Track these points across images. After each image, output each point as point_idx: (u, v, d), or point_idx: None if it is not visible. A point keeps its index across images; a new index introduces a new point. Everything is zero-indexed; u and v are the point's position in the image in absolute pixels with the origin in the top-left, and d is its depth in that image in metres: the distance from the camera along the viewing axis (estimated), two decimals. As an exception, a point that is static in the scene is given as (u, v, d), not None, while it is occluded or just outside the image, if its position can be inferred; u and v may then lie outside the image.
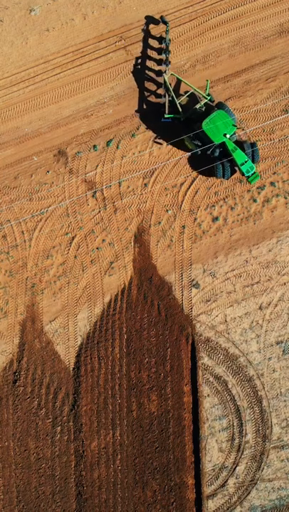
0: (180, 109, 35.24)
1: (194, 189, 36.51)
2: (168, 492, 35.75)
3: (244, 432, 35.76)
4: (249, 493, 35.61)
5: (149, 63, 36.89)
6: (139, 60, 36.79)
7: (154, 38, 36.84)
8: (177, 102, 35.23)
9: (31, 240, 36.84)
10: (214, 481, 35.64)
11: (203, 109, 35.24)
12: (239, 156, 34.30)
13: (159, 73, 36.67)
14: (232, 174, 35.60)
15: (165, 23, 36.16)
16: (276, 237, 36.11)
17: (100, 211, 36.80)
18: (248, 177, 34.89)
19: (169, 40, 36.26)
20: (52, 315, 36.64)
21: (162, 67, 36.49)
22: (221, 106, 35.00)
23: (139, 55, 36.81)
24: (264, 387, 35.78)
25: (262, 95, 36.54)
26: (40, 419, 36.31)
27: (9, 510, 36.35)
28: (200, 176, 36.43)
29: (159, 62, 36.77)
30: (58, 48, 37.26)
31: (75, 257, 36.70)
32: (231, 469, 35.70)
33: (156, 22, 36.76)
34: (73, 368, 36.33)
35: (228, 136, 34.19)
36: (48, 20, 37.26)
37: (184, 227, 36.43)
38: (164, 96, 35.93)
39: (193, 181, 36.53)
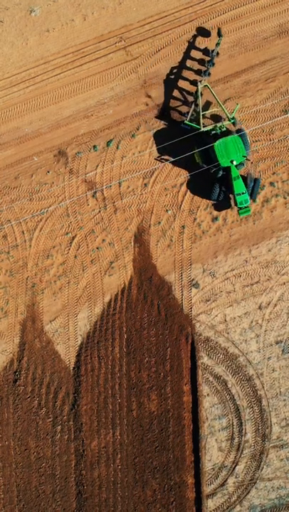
0: (201, 121, 35.09)
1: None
2: (168, 491, 35.84)
3: (244, 431, 35.85)
4: (249, 492, 35.71)
5: (186, 72, 36.75)
6: (176, 68, 36.68)
7: (196, 47, 36.69)
8: (201, 114, 35.10)
9: (32, 239, 36.94)
10: (214, 480, 35.73)
11: (224, 129, 35.01)
12: (239, 185, 34.16)
13: (193, 82, 36.42)
14: (225, 199, 35.52)
15: (220, 36, 35.90)
16: (275, 237, 36.22)
17: (100, 211, 36.90)
18: (240, 208, 34.76)
19: (217, 53, 36.10)
20: (52, 314, 36.75)
21: (199, 77, 36.24)
22: (240, 132, 34.82)
23: (179, 61, 36.71)
24: (263, 387, 35.89)
25: (261, 96, 36.64)
26: (41, 419, 36.40)
27: (10, 509, 36.45)
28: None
29: (197, 71, 36.61)
30: (58, 48, 37.35)
31: (75, 256, 36.81)
32: (231, 468, 35.80)
33: (203, 33, 36.58)
34: (73, 368, 36.43)
35: (234, 163, 33.98)
36: (48, 21, 37.36)
37: (183, 227, 36.54)
38: (192, 104, 35.82)
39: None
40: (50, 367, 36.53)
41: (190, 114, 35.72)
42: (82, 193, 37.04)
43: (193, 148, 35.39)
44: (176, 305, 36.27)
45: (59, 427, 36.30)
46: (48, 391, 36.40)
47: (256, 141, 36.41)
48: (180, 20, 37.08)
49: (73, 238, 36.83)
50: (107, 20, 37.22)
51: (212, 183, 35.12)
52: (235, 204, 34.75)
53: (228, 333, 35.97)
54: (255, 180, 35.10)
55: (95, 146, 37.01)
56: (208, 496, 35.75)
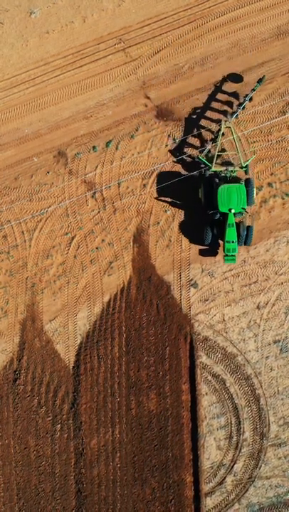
0: (214, 160, 34.91)
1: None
2: (167, 489, 35.98)
3: (242, 430, 36.01)
4: (247, 490, 35.86)
5: (209, 113, 36.76)
6: (200, 108, 36.73)
7: (224, 91, 36.74)
8: (216, 153, 34.99)
9: (31, 239, 37.08)
10: (212, 478, 35.88)
11: (234, 174, 34.84)
12: (231, 233, 34.06)
13: (216, 121, 36.47)
14: (214, 244, 35.53)
15: (260, 82, 35.93)
16: (273, 237, 36.37)
17: (99, 211, 37.06)
18: (226, 255, 34.69)
19: (251, 98, 36.04)
20: (52, 314, 36.90)
21: (224, 118, 36.18)
22: (247, 183, 34.68)
23: (204, 101, 36.75)
24: (262, 386, 36.04)
25: (259, 97, 36.79)
26: (40, 418, 36.54)
27: (9, 507, 36.57)
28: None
29: (220, 111, 36.65)
30: (58, 50, 37.49)
31: (75, 256, 36.96)
32: (229, 467, 35.94)
33: (234, 78, 36.66)
34: (73, 367, 36.57)
35: (232, 211, 33.93)
36: (48, 22, 37.51)
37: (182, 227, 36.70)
38: (211, 140, 35.95)
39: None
40: (50, 366, 36.67)
41: (206, 150, 35.75)
42: (81, 194, 37.18)
43: (199, 183, 35.40)
44: (175, 305, 36.43)
45: (59, 426, 36.44)
46: (48, 390, 36.54)
47: (254, 141, 36.60)
48: (179, 22, 37.24)
49: (73, 238, 36.98)
50: (107, 22, 37.37)
51: (204, 227, 34.97)
52: (223, 249, 34.68)
53: (226, 333, 36.13)
54: (248, 228, 34.91)
55: (94, 147, 37.17)
56: (206, 494, 35.90)
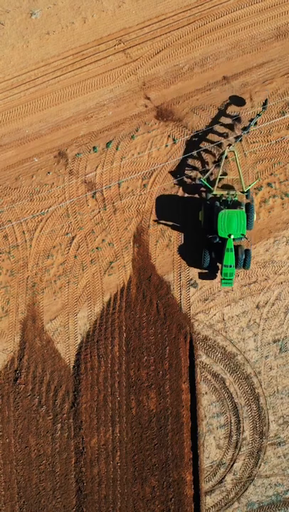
0: (216, 184, 34.99)
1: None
2: (166, 488, 36.09)
3: (241, 429, 36.12)
4: (246, 489, 35.98)
5: (214, 136, 36.74)
6: (203, 130, 36.72)
7: (229, 115, 36.73)
8: (219, 177, 35.03)
9: (32, 239, 37.20)
10: (212, 477, 36.00)
11: (235, 198, 34.80)
12: (229, 258, 33.99)
13: (219, 144, 36.50)
14: (212, 268, 35.56)
15: (264, 107, 35.99)
16: (273, 237, 36.50)
17: (99, 211, 37.19)
18: (223, 279, 34.65)
19: (256, 123, 36.09)
20: (52, 314, 37.02)
21: (229, 141, 36.23)
22: (248, 207, 34.68)
23: (208, 123, 36.74)
24: (261, 385, 36.15)
25: (259, 98, 36.94)
26: (41, 417, 36.65)
27: (10, 506, 36.68)
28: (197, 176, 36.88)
29: (224, 134, 36.65)
30: (59, 50, 37.62)
31: (75, 256, 37.09)
32: (229, 466, 36.06)
33: (237, 102, 36.71)
34: (73, 366, 36.69)
35: (232, 237, 33.89)
36: (48, 23, 37.64)
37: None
38: (213, 164, 36.07)
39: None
40: (51, 365, 36.80)
41: (209, 172, 35.81)
42: (82, 194, 37.31)
43: (200, 205, 35.47)
44: (174, 304, 36.55)
45: (59, 425, 36.56)
46: (48, 389, 36.66)
47: (254, 142, 36.73)
48: (178, 23, 37.38)
49: (73, 238, 37.11)
50: (107, 23, 37.50)
51: (203, 250, 35.03)
52: (221, 273, 34.74)
53: (226, 332, 36.25)
54: (246, 252, 34.96)
55: (94, 148, 37.30)
56: (206, 493, 36.01)
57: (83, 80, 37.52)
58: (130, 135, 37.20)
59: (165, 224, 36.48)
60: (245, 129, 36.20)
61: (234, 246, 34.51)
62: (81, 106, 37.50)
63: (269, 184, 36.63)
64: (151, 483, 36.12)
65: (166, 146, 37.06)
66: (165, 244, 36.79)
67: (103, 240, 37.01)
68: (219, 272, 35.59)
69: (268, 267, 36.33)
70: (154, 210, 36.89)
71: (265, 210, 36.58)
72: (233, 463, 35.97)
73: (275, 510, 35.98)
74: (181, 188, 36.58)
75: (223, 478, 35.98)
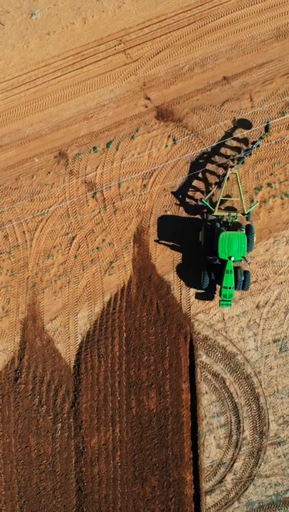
0: (217, 205, 34.91)
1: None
2: (167, 488, 36.13)
3: (242, 428, 36.17)
4: (246, 488, 36.02)
5: (216, 157, 36.72)
6: (207, 152, 36.71)
7: (232, 137, 36.68)
8: (220, 198, 34.99)
9: (32, 239, 37.24)
10: (212, 477, 36.04)
11: (236, 219, 34.81)
12: (228, 279, 33.93)
13: (220, 165, 36.55)
14: (212, 288, 35.59)
15: (267, 131, 35.99)
16: (273, 237, 36.56)
17: (100, 212, 37.23)
18: (222, 300, 34.63)
19: (258, 146, 36.08)
20: (53, 314, 37.06)
21: (231, 163, 36.24)
22: (249, 230, 34.66)
23: (212, 145, 36.72)
24: (261, 385, 36.20)
25: (259, 98, 37.01)
26: (41, 416, 36.69)
27: (11, 505, 36.72)
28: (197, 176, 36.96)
29: (226, 156, 36.63)
30: (59, 51, 37.66)
31: (76, 256, 37.13)
32: (229, 465, 36.10)
33: (243, 124, 36.66)
34: (74, 366, 36.73)
35: (232, 259, 33.82)
36: (48, 23, 37.69)
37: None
38: (215, 185, 36.09)
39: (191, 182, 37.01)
40: (51, 365, 36.84)
41: (210, 193, 35.80)
42: (82, 194, 37.36)
43: (200, 226, 35.54)
44: (175, 304, 36.59)
45: (59, 425, 36.60)
46: (49, 389, 36.70)
47: (254, 142, 36.78)
48: (179, 23, 37.44)
49: (73, 238, 37.16)
50: (107, 24, 37.56)
51: (202, 271, 35.05)
52: (220, 294, 34.76)
53: (226, 332, 36.29)
54: (246, 273, 34.95)
55: (94, 148, 37.35)
56: (206, 493, 36.06)
57: (83, 80, 37.57)
58: (130, 135, 37.26)
59: (165, 244, 36.47)
60: (247, 151, 36.24)
61: (233, 267, 34.49)
62: (81, 106, 37.55)
63: (269, 184, 36.69)
64: (152, 482, 36.16)
65: (167, 146, 37.12)
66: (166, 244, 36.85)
67: (103, 240, 37.05)
68: (218, 292, 35.59)
69: (268, 267, 36.38)
70: (154, 209, 36.95)
71: (265, 210, 36.64)
72: (234, 462, 36.01)
73: (275, 509, 36.03)
74: (182, 208, 36.58)
75: (223, 478, 36.02)
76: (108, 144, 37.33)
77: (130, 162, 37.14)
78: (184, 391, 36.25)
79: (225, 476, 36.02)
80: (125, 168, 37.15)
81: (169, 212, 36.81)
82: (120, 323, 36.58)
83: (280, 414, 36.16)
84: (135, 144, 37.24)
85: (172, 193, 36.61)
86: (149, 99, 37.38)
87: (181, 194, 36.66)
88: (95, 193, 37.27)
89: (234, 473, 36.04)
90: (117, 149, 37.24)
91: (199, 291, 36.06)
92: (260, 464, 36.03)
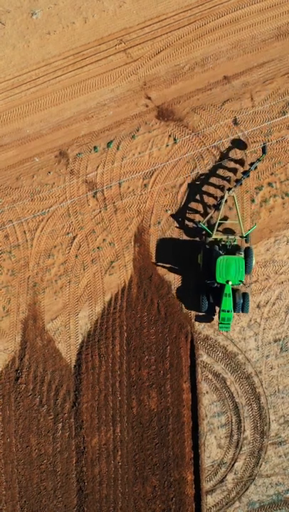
0: (216, 228, 34.89)
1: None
2: (167, 488, 36.14)
3: (242, 428, 36.16)
4: (247, 488, 36.01)
5: (214, 179, 36.61)
6: (204, 173, 36.65)
7: (230, 158, 36.59)
8: (218, 221, 34.92)
9: (33, 239, 37.26)
10: (213, 476, 36.04)
11: (234, 242, 34.74)
12: (227, 303, 33.84)
13: (217, 186, 36.45)
14: (211, 310, 35.54)
15: (264, 152, 35.83)
16: (274, 237, 36.55)
17: (100, 211, 37.24)
18: (221, 323, 34.48)
19: (256, 167, 35.95)
20: (53, 313, 37.08)
21: (229, 185, 36.15)
22: (247, 253, 34.51)
23: (210, 167, 36.64)
24: (262, 385, 36.20)
25: (259, 97, 37.01)
26: (42, 416, 36.71)
27: (11, 505, 36.73)
28: (198, 181, 36.95)
29: (224, 177, 36.51)
30: (59, 50, 37.70)
31: (76, 256, 37.14)
32: (230, 465, 36.09)
33: (238, 145, 36.55)
34: (74, 366, 36.74)
35: (230, 283, 33.74)
36: (49, 23, 37.72)
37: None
38: (213, 207, 36.02)
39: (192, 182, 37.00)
40: (52, 365, 36.85)
41: (209, 216, 35.73)
42: (82, 194, 37.38)
43: (199, 248, 35.47)
44: (175, 304, 36.60)
45: (60, 425, 36.61)
46: (49, 389, 36.71)
47: (254, 142, 36.79)
48: (179, 22, 37.46)
49: (74, 238, 37.17)
50: (108, 23, 37.58)
51: (200, 295, 34.99)
52: (218, 317, 34.68)
53: (226, 332, 36.26)
54: (244, 295, 34.86)
55: (95, 147, 37.37)
56: (207, 493, 36.05)
57: (84, 79, 37.60)
58: (131, 135, 37.28)
59: (163, 266, 36.43)
60: (245, 173, 36.15)
61: (232, 290, 34.38)
62: (82, 106, 37.58)
63: (270, 184, 36.68)
64: (152, 482, 36.17)
65: (167, 145, 37.12)
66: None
67: (104, 240, 37.06)
68: (217, 314, 35.53)
69: (269, 267, 36.38)
70: (154, 209, 36.95)
71: (266, 210, 36.64)
72: (234, 462, 36.01)
73: (276, 509, 36.02)
74: (180, 231, 36.55)
75: (224, 478, 36.02)
76: (109, 144, 37.34)
77: (131, 162, 37.16)
78: (184, 391, 36.26)
79: (226, 476, 36.02)
80: (126, 168, 37.17)
81: (169, 212, 36.83)
82: (121, 322, 36.59)
83: (280, 414, 36.15)
84: (136, 144, 37.25)
85: (171, 215, 36.53)
86: (149, 98, 37.39)
87: (180, 216, 36.58)
88: (95, 193, 37.28)
89: (235, 473, 36.03)
90: (117, 149, 37.25)
91: (199, 313, 36.02)
92: (261, 464, 36.02)
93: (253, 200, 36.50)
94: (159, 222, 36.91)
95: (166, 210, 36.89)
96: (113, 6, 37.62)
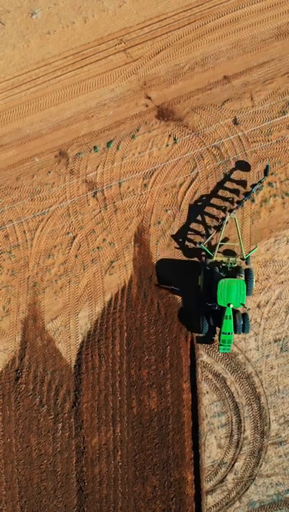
0: (216, 250, 34.85)
1: (193, 189, 36.95)
2: (168, 488, 36.13)
3: (242, 428, 36.16)
4: (248, 488, 36.00)
5: (215, 200, 36.63)
6: (206, 195, 36.63)
7: (232, 180, 36.61)
8: (219, 243, 34.88)
9: (33, 239, 37.26)
10: (213, 476, 36.04)
11: (234, 264, 34.62)
12: (227, 325, 33.82)
13: (219, 207, 36.42)
14: (211, 332, 35.46)
15: (266, 174, 35.82)
16: (274, 237, 36.55)
17: (100, 211, 37.25)
18: (221, 345, 34.48)
19: (257, 190, 35.92)
20: (53, 313, 37.07)
21: (231, 206, 36.12)
22: (248, 274, 34.49)
23: (211, 187, 36.64)
24: (262, 384, 36.19)
25: (259, 97, 37.01)
26: (42, 416, 36.70)
27: (11, 505, 36.72)
28: (198, 176, 36.92)
29: (226, 199, 36.53)
30: (59, 50, 37.71)
31: (76, 256, 37.14)
32: (230, 465, 36.09)
33: (241, 166, 36.58)
34: (74, 366, 36.74)
35: (231, 306, 33.70)
36: (49, 23, 37.73)
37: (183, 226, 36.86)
38: (214, 229, 35.99)
39: (192, 182, 36.98)
40: (52, 365, 36.85)
41: (210, 238, 35.71)
42: (82, 194, 37.38)
43: (199, 270, 35.40)
44: (175, 304, 36.59)
45: (60, 425, 36.61)
46: (50, 389, 36.71)
47: (254, 141, 36.79)
48: (179, 22, 37.47)
49: (74, 238, 37.17)
50: (108, 23, 37.59)
51: (201, 318, 35.02)
52: (219, 338, 34.69)
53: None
54: (244, 316, 34.90)
55: (95, 147, 37.37)
56: (207, 493, 36.05)
57: (84, 79, 37.61)
58: (131, 134, 37.28)
59: (164, 287, 36.38)
60: (246, 194, 36.13)
61: (234, 309, 34.36)
62: (82, 105, 37.59)
63: (270, 184, 36.68)
64: (153, 482, 36.17)
65: (167, 145, 37.12)
66: (166, 244, 36.84)
67: (104, 240, 37.06)
68: (217, 335, 35.48)
69: (269, 267, 36.38)
70: (154, 208, 36.95)
71: (266, 210, 36.64)
72: (234, 462, 36.00)
73: (276, 509, 36.01)
74: (181, 252, 36.52)
75: (224, 478, 36.01)
76: (109, 144, 37.34)
77: (131, 161, 37.16)
78: (184, 391, 36.26)
79: (226, 476, 36.01)
80: (126, 168, 37.18)
81: (169, 212, 36.83)
82: (121, 322, 36.59)
83: (281, 414, 36.15)
84: (136, 144, 37.26)
85: (171, 235, 36.49)
86: (149, 98, 37.40)
87: (180, 237, 36.56)
88: (95, 193, 37.29)
89: (235, 473, 36.03)
90: (117, 149, 37.26)
91: (199, 335, 35.99)
92: (261, 464, 36.02)
93: (253, 200, 36.49)
94: (159, 222, 36.91)
95: (167, 210, 36.89)
96: (113, 5, 37.62)
